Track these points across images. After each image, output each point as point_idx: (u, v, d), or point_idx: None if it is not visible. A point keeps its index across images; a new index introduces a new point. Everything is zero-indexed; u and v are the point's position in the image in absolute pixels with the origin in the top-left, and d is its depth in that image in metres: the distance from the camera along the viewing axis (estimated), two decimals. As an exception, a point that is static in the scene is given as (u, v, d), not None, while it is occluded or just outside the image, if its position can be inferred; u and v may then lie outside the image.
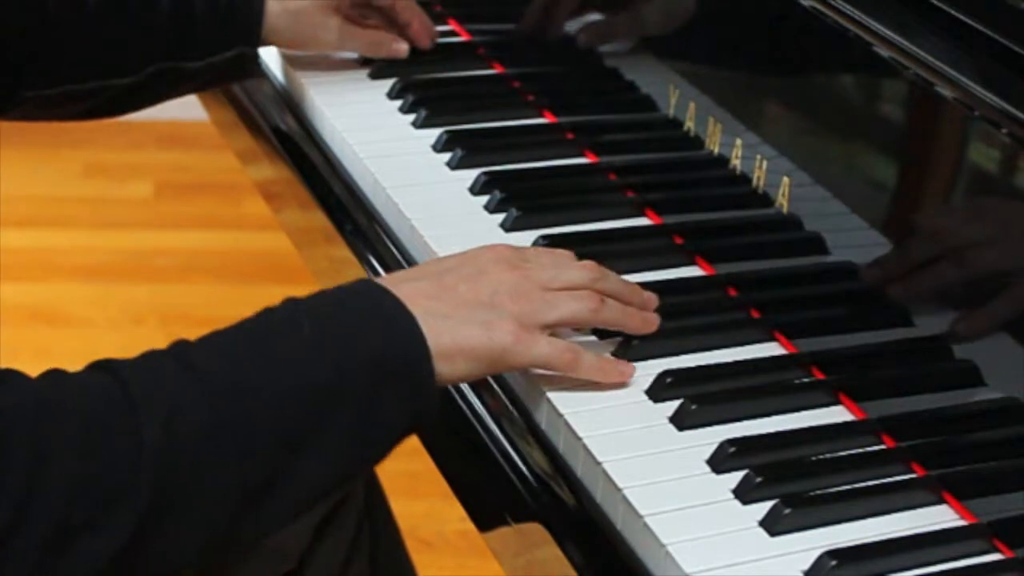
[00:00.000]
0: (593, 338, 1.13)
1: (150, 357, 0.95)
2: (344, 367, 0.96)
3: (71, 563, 0.87)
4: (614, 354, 1.11)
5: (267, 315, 1.00)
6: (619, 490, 0.99)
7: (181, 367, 0.93)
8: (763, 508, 0.98)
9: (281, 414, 0.94)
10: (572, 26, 1.51)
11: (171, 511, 0.90)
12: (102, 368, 0.93)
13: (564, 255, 1.13)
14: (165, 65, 1.39)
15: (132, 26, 1.38)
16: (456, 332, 1.01)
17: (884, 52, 1.09)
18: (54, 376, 0.92)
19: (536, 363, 1.05)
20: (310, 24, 1.44)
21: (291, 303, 1.00)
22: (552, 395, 1.07)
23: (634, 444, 1.03)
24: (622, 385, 1.08)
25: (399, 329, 0.99)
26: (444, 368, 1.00)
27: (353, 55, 1.51)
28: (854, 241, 1.13)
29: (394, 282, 1.03)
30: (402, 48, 1.48)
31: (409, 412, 0.99)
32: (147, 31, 1.38)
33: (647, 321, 1.11)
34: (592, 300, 1.08)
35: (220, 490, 0.92)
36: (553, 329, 1.06)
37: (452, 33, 1.59)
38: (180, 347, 0.96)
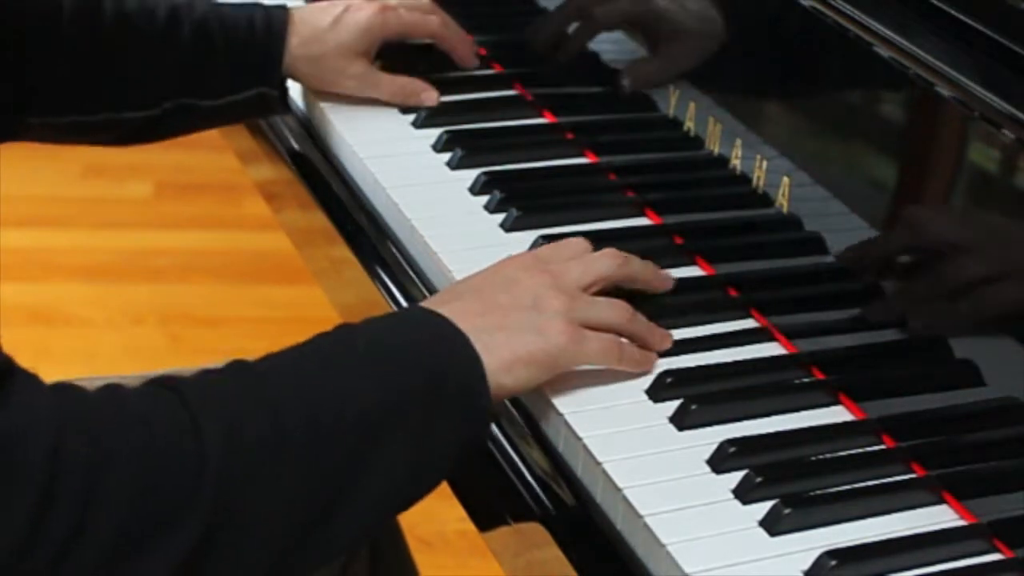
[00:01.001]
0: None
1: (208, 374, 0.94)
2: (402, 388, 0.96)
3: (137, 573, 0.86)
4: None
5: (322, 338, 0.99)
6: (619, 490, 0.99)
7: (240, 384, 0.92)
8: (763, 508, 0.98)
9: (341, 434, 0.93)
10: (573, 29, 1.51)
11: (230, 528, 0.88)
12: (162, 384, 0.92)
13: (579, 245, 1.14)
14: (181, 101, 1.35)
15: (147, 55, 1.34)
16: (512, 343, 1.02)
17: (884, 52, 1.09)
18: (112, 390, 0.91)
19: (590, 359, 1.06)
20: (331, 70, 1.39)
21: (345, 327, 1.00)
22: (552, 395, 1.07)
23: (634, 444, 1.03)
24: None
25: (454, 350, 0.99)
26: (506, 380, 1.01)
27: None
28: (854, 241, 1.13)
29: (439, 303, 1.04)
30: (432, 96, 1.43)
31: (464, 433, 0.99)
32: (163, 62, 1.34)
33: (665, 278, 1.17)
34: (614, 257, 1.12)
35: (279, 510, 0.90)
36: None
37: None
38: (238, 365, 0.95)
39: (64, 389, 0.88)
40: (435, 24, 1.45)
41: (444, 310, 1.02)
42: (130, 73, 1.34)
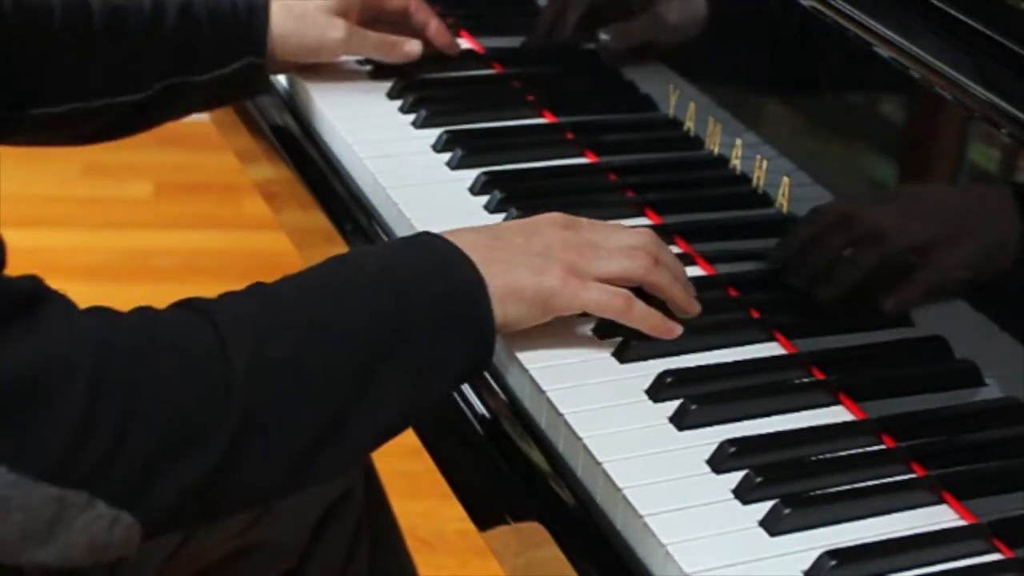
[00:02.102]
0: (589, 332, 1.13)
1: (230, 296, 1.00)
2: (409, 305, 1.01)
3: (167, 483, 0.92)
4: (614, 355, 1.11)
5: (337, 260, 1.05)
6: (619, 490, 0.99)
7: (261, 304, 0.99)
8: (763, 508, 0.98)
9: (354, 348, 0.99)
10: (574, 28, 1.51)
11: (257, 437, 0.94)
12: (188, 306, 0.98)
13: (619, 225, 1.16)
14: (173, 80, 1.38)
15: (138, 41, 1.37)
16: (508, 275, 1.06)
17: (884, 52, 1.09)
18: (144, 312, 0.97)
19: (587, 306, 1.09)
20: (316, 27, 1.42)
21: (358, 249, 1.07)
22: (552, 395, 1.07)
23: (634, 444, 1.03)
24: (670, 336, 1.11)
25: (460, 271, 1.04)
26: (497, 310, 1.05)
27: (352, 60, 1.51)
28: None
29: (452, 233, 1.08)
30: (415, 48, 1.47)
31: (470, 351, 1.04)
32: (153, 45, 1.37)
33: (692, 302, 1.14)
34: (646, 259, 1.11)
35: (301, 419, 0.96)
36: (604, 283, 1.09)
37: (453, 34, 1.58)
38: (257, 288, 1.01)
39: (98, 312, 0.94)
40: (409, 2, 1.48)
41: (454, 237, 1.07)
42: (121, 59, 1.36)
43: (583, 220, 1.15)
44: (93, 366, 0.89)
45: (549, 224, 1.12)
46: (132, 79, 1.37)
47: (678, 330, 1.11)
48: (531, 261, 1.07)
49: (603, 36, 1.42)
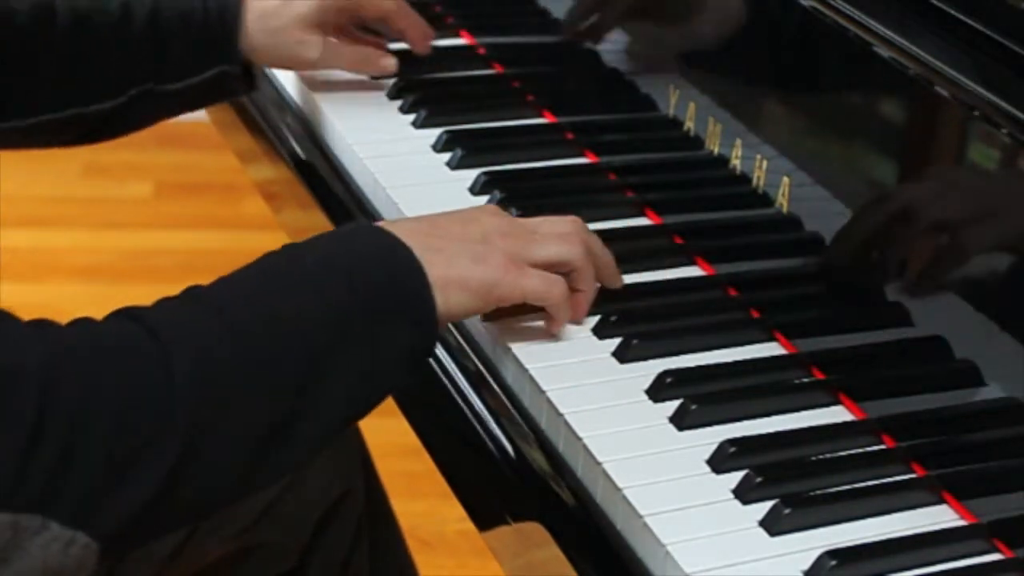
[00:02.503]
0: (588, 332, 1.13)
1: (167, 302, 0.99)
2: (349, 299, 1.00)
3: (118, 501, 0.91)
4: (614, 355, 1.12)
5: (268, 257, 1.04)
6: (619, 490, 0.99)
7: (200, 308, 0.98)
8: (763, 508, 0.98)
9: (296, 346, 0.98)
10: (575, 28, 1.51)
11: (206, 444, 0.93)
12: (126, 316, 0.97)
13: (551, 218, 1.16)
14: (144, 88, 1.35)
15: (105, 48, 1.34)
16: (449, 264, 1.04)
17: (884, 52, 1.09)
18: (84, 325, 0.96)
19: (527, 295, 1.08)
20: (290, 42, 1.38)
21: (290, 245, 1.04)
22: (552, 395, 1.07)
23: (634, 444, 1.03)
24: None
25: (398, 260, 1.03)
26: (439, 299, 1.03)
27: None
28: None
29: (390, 224, 1.07)
30: (390, 63, 1.45)
31: (414, 341, 1.02)
32: (121, 53, 1.35)
33: (619, 277, 1.17)
34: (580, 244, 1.12)
35: (247, 422, 0.96)
36: (542, 270, 1.10)
37: (453, 34, 1.58)
38: (194, 291, 1.00)
39: (41, 325, 0.93)
40: (388, 6, 1.44)
41: (391, 227, 1.05)
42: (90, 68, 1.35)
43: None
44: (40, 380, 0.88)
45: (484, 212, 1.12)
46: (102, 87, 1.35)
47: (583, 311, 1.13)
48: (471, 249, 1.06)
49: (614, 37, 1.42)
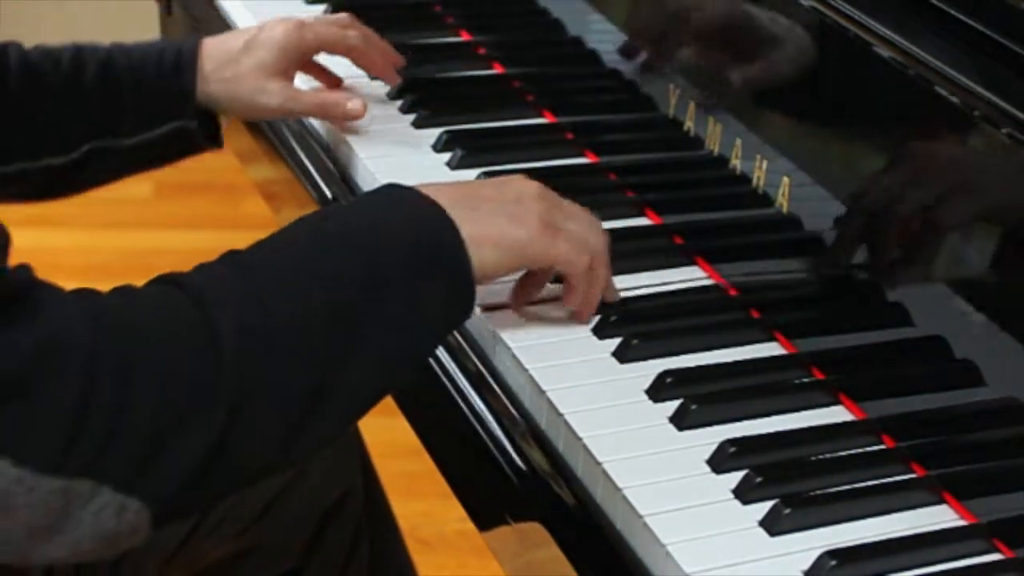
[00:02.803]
0: (589, 332, 1.13)
1: (207, 267, 1.00)
2: (386, 258, 1.00)
3: (168, 464, 0.92)
4: (614, 355, 1.12)
5: (307, 220, 1.04)
6: (619, 490, 0.99)
7: (240, 272, 0.98)
8: (763, 508, 0.98)
9: (336, 306, 0.98)
10: (575, 28, 1.52)
11: (251, 406, 0.94)
12: (167, 281, 0.98)
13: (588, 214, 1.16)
14: (99, 143, 1.32)
15: (55, 100, 1.31)
16: (483, 220, 1.05)
17: (884, 52, 1.09)
18: (126, 292, 0.96)
19: (558, 259, 1.09)
20: (249, 91, 1.34)
21: (327, 209, 1.06)
22: (552, 395, 1.07)
23: (634, 444, 1.03)
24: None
25: (428, 217, 1.03)
26: (474, 256, 1.04)
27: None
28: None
29: (423, 186, 1.07)
30: (357, 109, 1.36)
31: (451, 297, 1.03)
32: (72, 106, 1.32)
33: (616, 292, 1.17)
34: (603, 237, 1.12)
35: (291, 383, 0.96)
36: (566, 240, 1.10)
37: (453, 34, 1.59)
38: (230, 256, 1.01)
39: (85, 296, 0.94)
40: (353, 39, 1.40)
41: (426, 189, 1.06)
42: (40, 120, 1.31)
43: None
44: (88, 347, 0.89)
45: (519, 179, 1.12)
46: (52, 141, 1.32)
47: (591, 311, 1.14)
48: (506, 208, 1.07)
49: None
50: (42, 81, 1.32)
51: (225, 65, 1.34)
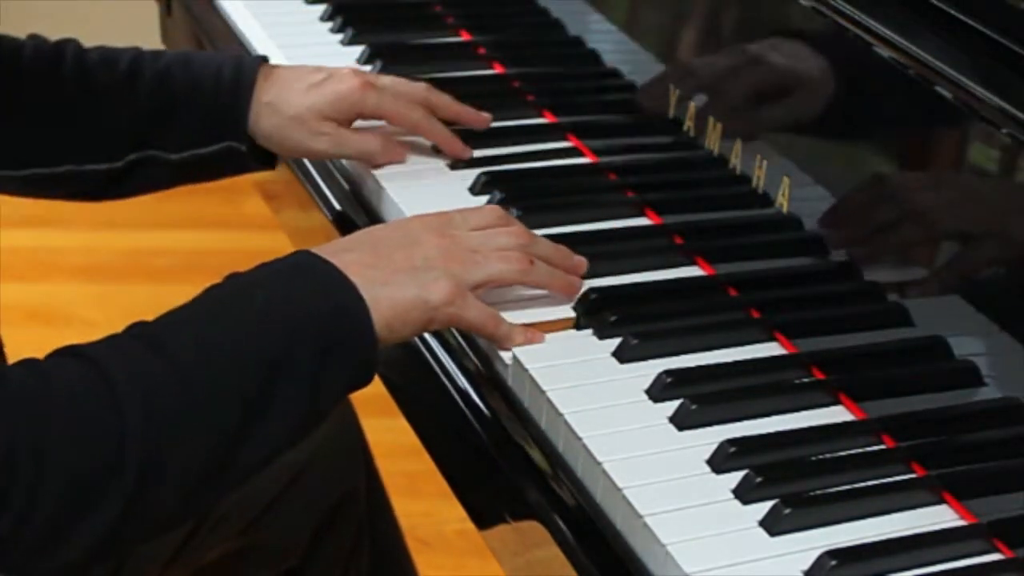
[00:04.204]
0: (589, 332, 1.13)
1: (115, 340, 1.00)
2: (295, 338, 1.01)
3: (76, 541, 0.93)
4: (614, 355, 1.12)
5: (215, 292, 1.04)
6: (619, 490, 0.99)
7: (147, 348, 0.98)
8: (763, 508, 0.98)
9: (242, 385, 0.99)
10: (575, 28, 1.52)
11: (155, 480, 0.96)
12: (72, 355, 0.98)
13: (493, 213, 1.16)
14: (146, 154, 1.31)
15: (107, 106, 1.30)
16: (394, 298, 1.06)
17: (884, 52, 1.09)
18: (33, 369, 0.96)
19: (469, 324, 1.10)
20: (301, 132, 1.30)
21: (234, 277, 1.05)
22: (552, 395, 1.07)
23: (634, 444, 1.03)
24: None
25: (344, 302, 1.04)
26: (385, 334, 1.05)
27: (352, 59, 1.51)
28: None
29: (333, 252, 1.07)
30: (400, 154, 1.34)
31: (353, 377, 1.04)
32: (125, 115, 1.30)
33: (571, 285, 1.17)
34: (521, 262, 1.13)
35: (195, 458, 0.98)
36: (484, 289, 1.11)
37: (453, 33, 1.58)
38: (140, 328, 1.01)
39: None
40: (415, 119, 1.33)
41: (337, 260, 1.05)
42: (91, 124, 1.30)
43: (457, 219, 1.14)
44: (5, 441, 0.90)
45: (425, 230, 1.11)
46: (100, 146, 1.31)
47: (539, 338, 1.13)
48: (416, 278, 1.07)
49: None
50: (95, 84, 1.31)
51: (281, 102, 1.30)
